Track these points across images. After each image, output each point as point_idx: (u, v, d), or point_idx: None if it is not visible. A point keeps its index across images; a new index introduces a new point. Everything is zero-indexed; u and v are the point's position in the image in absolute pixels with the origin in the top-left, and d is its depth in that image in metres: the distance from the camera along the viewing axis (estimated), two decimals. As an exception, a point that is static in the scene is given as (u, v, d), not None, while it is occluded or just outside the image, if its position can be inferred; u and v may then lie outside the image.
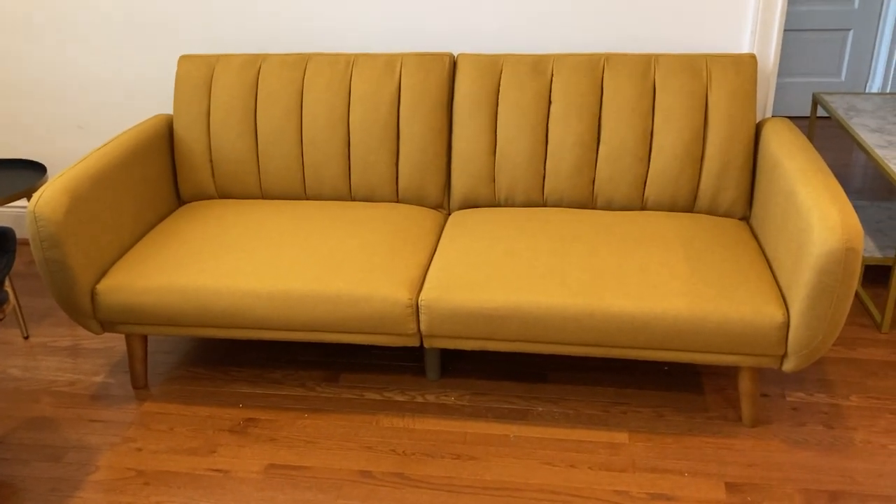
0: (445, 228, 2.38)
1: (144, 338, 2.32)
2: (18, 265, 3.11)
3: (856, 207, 3.03)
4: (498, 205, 2.51)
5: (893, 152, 2.57)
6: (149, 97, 2.92)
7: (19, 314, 2.65)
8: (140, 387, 2.36)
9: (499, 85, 2.43)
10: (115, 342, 2.60)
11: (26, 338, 2.64)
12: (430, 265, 2.20)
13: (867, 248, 2.71)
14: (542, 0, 2.55)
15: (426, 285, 2.08)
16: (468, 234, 2.29)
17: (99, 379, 2.42)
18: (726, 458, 2.02)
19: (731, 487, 1.93)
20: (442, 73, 2.46)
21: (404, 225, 2.36)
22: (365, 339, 2.13)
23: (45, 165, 3.04)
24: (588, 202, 2.46)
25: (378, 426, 2.17)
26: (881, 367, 2.35)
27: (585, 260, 2.11)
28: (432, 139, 2.47)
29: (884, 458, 2.01)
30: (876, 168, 3.84)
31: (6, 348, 2.59)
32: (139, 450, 2.11)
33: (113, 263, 2.25)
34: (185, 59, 2.59)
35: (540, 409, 2.22)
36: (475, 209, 2.49)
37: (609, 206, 2.45)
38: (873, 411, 2.17)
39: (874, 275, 2.87)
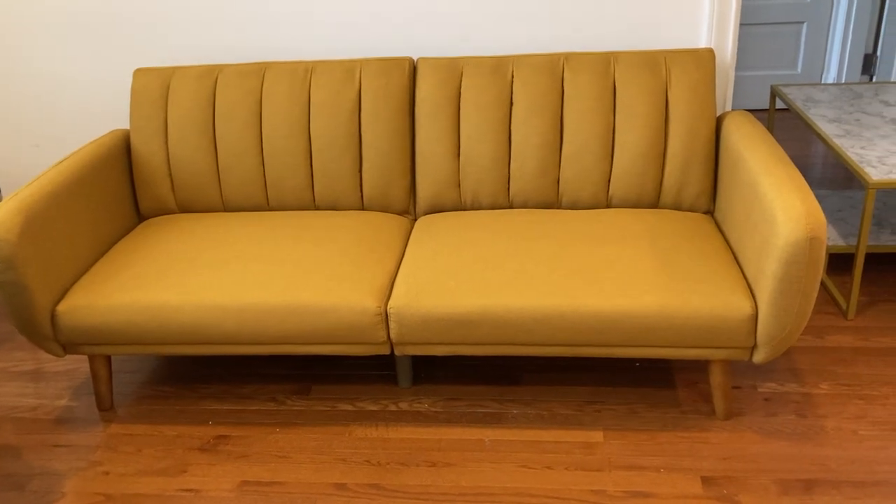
0: (412, 234, 2.36)
1: (108, 358, 2.27)
2: (-25, 289, 3.03)
3: (817, 197, 3.07)
4: (464, 208, 2.50)
5: (851, 141, 2.60)
6: (105, 113, 2.86)
7: (-23, 340, 2.58)
8: (105, 408, 2.31)
9: (460, 88, 2.42)
10: (79, 364, 2.54)
11: (-14, 363, 2.57)
12: (397, 272, 2.18)
13: (831, 237, 2.74)
14: (500, 1, 2.54)
15: (394, 292, 2.06)
16: (435, 238, 2.27)
17: (63, 402, 2.36)
18: (701, 452, 2.02)
19: (706, 481, 1.93)
20: (402, 78, 2.44)
21: (370, 232, 2.34)
22: (335, 350, 2.11)
23: (0, 186, 2.97)
24: (554, 202, 2.45)
25: (351, 437, 2.14)
26: (849, 354, 2.38)
27: (554, 260, 2.11)
28: (395, 145, 2.45)
29: (854, 443, 2.02)
30: (835, 157, 3.90)
31: (-35, 375, 2.52)
32: (106, 473, 2.06)
33: (73, 283, 2.20)
34: (140, 73, 2.55)
35: (514, 411, 2.21)
36: (441, 213, 2.48)
37: (575, 206, 2.45)
38: (843, 398, 2.19)
39: (838, 263, 2.91)
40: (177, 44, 2.70)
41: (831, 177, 3.68)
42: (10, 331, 2.75)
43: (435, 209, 2.50)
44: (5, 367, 2.55)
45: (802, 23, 4.47)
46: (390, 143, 2.44)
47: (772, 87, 3.20)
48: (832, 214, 2.91)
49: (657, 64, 2.37)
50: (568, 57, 2.41)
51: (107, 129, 2.89)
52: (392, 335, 2.05)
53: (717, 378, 2.09)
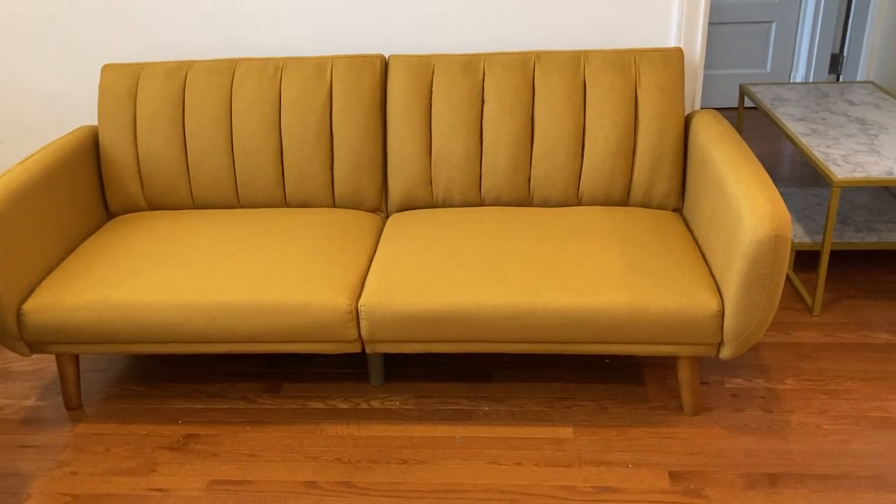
0: (384, 231, 2.36)
1: (76, 357, 2.24)
2: (-61, 287, 2.98)
3: (784, 195, 3.11)
4: (436, 206, 2.50)
5: (817, 140, 2.64)
6: (71, 109, 2.82)
7: (-59, 339, 2.53)
8: (73, 408, 2.28)
9: (431, 85, 2.42)
10: (46, 363, 2.51)
11: (-50, 363, 2.53)
12: (369, 270, 2.17)
13: (797, 234, 2.78)
14: (473, 1, 2.55)
15: (365, 290, 2.06)
16: (407, 236, 2.27)
17: (29, 402, 2.33)
18: (669, 448, 2.04)
19: (674, 476, 1.95)
20: (374, 75, 2.44)
21: (342, 230, 2.33)
22: (306, 348, 2.10)
23: (-36, 182, 2.92)
24: (525, 200, 2.47)
25: (322, 435, 2.14)
26: (814, 350, 2.42)
27: (524, 258, 2.12)
28: (367, 142, 2.45)
29: (819, 438, 2.06)
30: (801, 156, 3.96)
31: (-71, 375, 2.48)
32: (74, 473, 2.04)
33: (39, 282, 2.17)
34: (108, 69, 2.52)
35: (485, 408, 2.22)
36: (413, 211, 2.48)
37: (546, 203, 2.46)
38: (808, 393, 2.23)
39: (804, 260, 2.95)
40: (146, 40, 2.67)
41: (798, 175, 3.73)
42: (-25, 330, 2.71)
43: (407, 206, 2.51)
44: (-30, 366, 2.51)
45: (771, 22, 4.53)
46: (362, 140, 2.44)
47: (740, 86, 3.24)
48: (798, 212, 2.96)
49: (627, 63, 2.39)
50: (539, 55, 2.42)
51: (74, 125, 2.85)
52: (363, 333, 2.05)
53: (684, 374, 2.11)
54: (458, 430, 2.13)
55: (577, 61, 2.40)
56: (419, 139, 2.42)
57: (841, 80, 4.58)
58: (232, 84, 2.46)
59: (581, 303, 1.96)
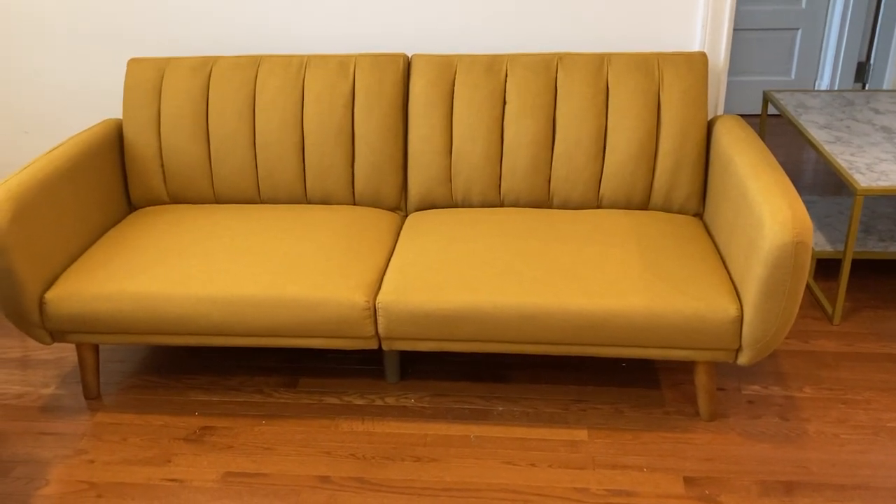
0: (402, 230, 2.37)
1: (96, 347, 2.27)
2: (-36, 275, 3.02)
3: (807, 202, 3.09)
4: (455, 205, 2.50)
5: (841, 148, 2.62)
6: (98, 101, 2.85)
7: (-35, 326, 2.57)
8: (92, 397, 2.31)
9: (453, 85, 2.43)
10: (67, 352, 2.54)
11: (-27, 350, 2.57)
12: (387, 267, 2.18)
13: (818, 243, 2.76)
14: (496, 2, 2.55)
15: (383, 287, 2.07)
16: (425, 235, 2.28)
17: (49, 390, 2.36)
18: (684, 453, 2.03)
19: (689, 481, 1.94)
20: (396, 74, 2.45)
21: (361, 227, 2.34)
22: (322, 343, 2.11)
23: (-9, 172, 2.96)
24: (544, 201, 2.46)
25: (337, 430, 2.15)
26: (833, 359, 2.39)
27: (542, 258, 2.12)
28: (388, 141, 2.45)
29: (836, 447, 2.04)
30: (825, 164, 3.92)
31: (-49, 361, 2.51)
32: (91, 462, 2.06)
33: (62, 271, 2.20)
34: (134, 63, 2.54)
35: (500, 408, 2.22)
36: (432, 210, 2.48)
37: (565, 205, 2.46)
38: (826, 402, 2.21)
39: (825, 268, 2.93)
40: (172, 34, 2.70)
41: (821, 183, 3.70)
42: (-2, 318, 2.75)
43: (426, 206, 2.51)
44: (-8, 353, 2.55)
45: (797, 29, 4.50)
46: (383, 138, 2.45)
47: (764, 93, 3.22)
48: (821, 220, 2.93)
49: (650, 66, 2.38)
50: (562, 57, 2.42)
51: (100, 118, 2.89)
52: (380, 330, 2.06)
53: (701, 379, 2.10)
54: (473, 430, 2.14)
55: (600, 64, 2.40)
56: (440, 139, 2.43)
57: (867, 88, 4.54)
58: (256, 80, 2.48)
59: (598, 305, 1.96)
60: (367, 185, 2.49)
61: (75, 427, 2.19)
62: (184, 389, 2.33)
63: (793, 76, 4.62)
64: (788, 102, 3.10)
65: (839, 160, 2.53)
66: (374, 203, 2.52)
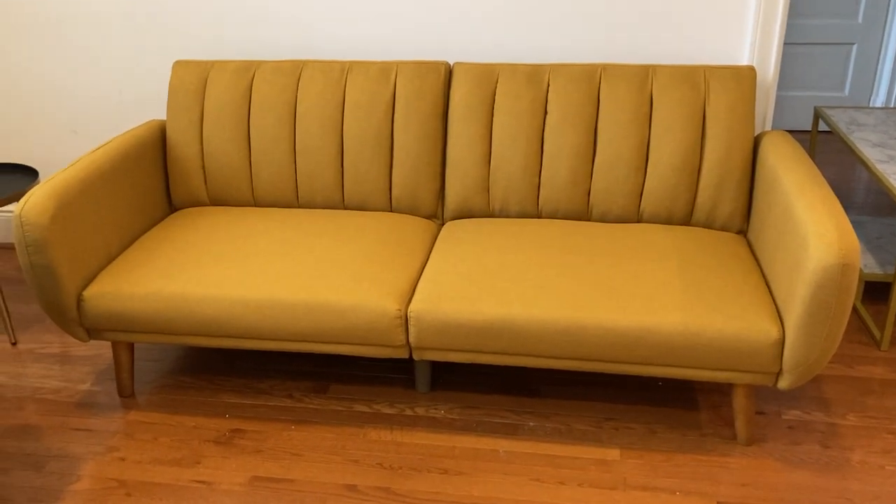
0: (438, 238, 2.35)
1: (131, 346, 2.29)
2: (9, 270, 3.09)
3: (856, 223, 2.99)
4: (492, 215, 2.48)
5: (894, 167, 2.53)
6: (143, 102, 2.90)
7: (7, 320, 2.62)
8: (126, 395, 2.33)
9: (494, 94, 2.40)
10: (104, 349, 2.57)
11: (14, 344, 2.61)
12: (420, 276, 2.16)
13: (868, 264, 2.67)
14: (540, 10, 2.53)
15: (416, 296, 2.05)
16: (460, 244, 2.26)
17: (85, 387, 2.39)
18: (719, 477, 1.97)
19: (723, 507, 1.88)
20: (437, 82, 2.43)
21: (396, 234, 2.33)
22: (353, 350, 2.10)
23: (38, 170, 3.02)
24: (583, 214, 2.42)
25: (365, 439, 2.13)
26: (880, 386, 2.31)
27: (578, 273, 2.08)
28: (426, 148, 2.44)
29: (881, 479, 1.96)
30: (877, 183, 3.80)
31: (-7, 354, 2.56)
32: (122, 460, 2.08)
33: (101, 270, 2.22)
34: (179, 65, 2.57)
35: (531, 423, 2.18)
36: (469, 219, 2.46)
37: (604, 218, 2.42)
38: (871, 431, 2.13)
39: (874, 291, 2.83)
40: (216, 38, 2.73)
41: (873, 203, 3.59)
42: (40, 313, 2.80)
43: (463, 214, 2.49)
44: (33, 348, 2.59)
45: (852, 44, 4.38)
46: (422, 145, 2.43)
47: (815, 109, 3.13)
48: (871, 241, 2.84)
49: (696, 79, 2.33)
50: (606, 68, 2.38)
51: (144, 118, 2.93)
52: (411, 339, 2.04)
53: (740, 402, 2.04)
54: (503, 444, 2.10)
55: (644, 75, 2.35)
56: (479, 147, 2.41)
57: (924, 106, 4.40)
58: (298, 85, 2.49)
59: (634, 322, 1.91)
60: (404, 192, 2.48)
61: (108, 424, 2.21)
62: (216, 391, 2.34)
63: (846, 92, 4.50)
64: (840, 119, 3.01)
65: (892, 180, 2.44)
66: (411, 210, 2.51)
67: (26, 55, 2.91)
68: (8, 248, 3.27)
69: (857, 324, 2.63)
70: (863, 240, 2.85)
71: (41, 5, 2.81)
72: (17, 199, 2.53)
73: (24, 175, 2.70)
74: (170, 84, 2.56)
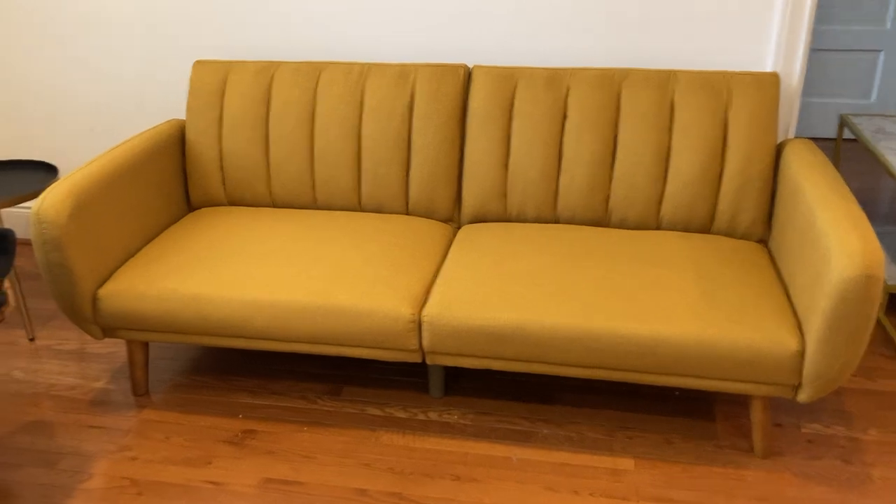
0: (454, 242, 2.34)
1: (146, 345, 2.30)
2: (27, 266, 3.11)
3: (882, 233, 2.94)
4: (509, 220, 2.46)
5: (921, 177, 2.48)
6: (163, 101, 2.91)
7: (26, 316, 2.64)
8: (140, 394, 2.33)
9: (513, 98, 2.38)
10: (120, 347, 2.58)
11: (31, 340, 2.63)
12: (435, 280, 2.15)
13: (891, 276, 2.62)
14: (560, 14, 2.50)
15: (430, 301, 2.03)
16: (476, 249, 2.24)
17: (100, 384, 2.39)
18: (735, 490, 1.94)
19: (739, 521, 1.85)
20: (456, 85, 2.42)
21: (412, 238, 2.32)
22: (366, 354, 2.09)
23: (58, 167, 3.04)
24: (602, 220, 2.40)
25: (378, 443, 2.12)
26: (902, 400, 2.26)
27: (595, 279, 2.05)
28: (444, 151, 2.43)
29: (902, 496, 1.92)
30: (904, 193, 3.74)
31: (10, 350, 2.58)
32: (134, 458, 2.08)
33: (117, 268, 2.23)
34: (199, 65, 2.58)
35: (544, 431, 2.16)
36: (485, 224, 2.44)
37: (623, 225, 2.39)
38: (893, 446, 2.08)
39: (899, 303, 2.78)
40: (236, 38, 2.73)
41: (899, 213, 3.53)
42: (58, 309, 2.81)
43: (479, 219, 2.47)
44: (50, 344, 2.60)
45: (880, 51, 4.31)
46: (439, 149, 2.42)
47: (840, 116, 3.08)
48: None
49: (718, 85, 2.30)
50: (626, 73, 2.35)
51: (164, 117, 2.94)
52: (424, 344, 2.03)
53: (757, 414, 2.00)
54: (515, 451, 2.08)
55: (665, 81, 2.32)
56: (497, 151, 2.39)
57: (953, 115, 4.32)
58: (317, 87, 2.48)
59: (650, 330, 1.89)
60: (421, 196, 2.47)
61: (122, 422, 2.22)
62: (230, 391, 2.34)
63: (873, 99, 4.42)
64: (866, 127, 2.96)
65: (918, 190, 2.39)
66: (428, 214, 2.50)
67: (48, 54, 2.93)
68: (29, 244, 3.30)
69: (880, 336, 2.58)
70: (888, 250, 2.80)
71: (63, 6, 2.83)
72: (36, 197, 2.54)
73: (43, 172, 2.71)
74: (190, 84, 2.57)
